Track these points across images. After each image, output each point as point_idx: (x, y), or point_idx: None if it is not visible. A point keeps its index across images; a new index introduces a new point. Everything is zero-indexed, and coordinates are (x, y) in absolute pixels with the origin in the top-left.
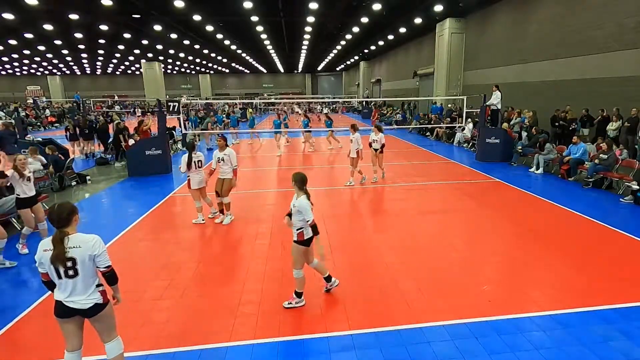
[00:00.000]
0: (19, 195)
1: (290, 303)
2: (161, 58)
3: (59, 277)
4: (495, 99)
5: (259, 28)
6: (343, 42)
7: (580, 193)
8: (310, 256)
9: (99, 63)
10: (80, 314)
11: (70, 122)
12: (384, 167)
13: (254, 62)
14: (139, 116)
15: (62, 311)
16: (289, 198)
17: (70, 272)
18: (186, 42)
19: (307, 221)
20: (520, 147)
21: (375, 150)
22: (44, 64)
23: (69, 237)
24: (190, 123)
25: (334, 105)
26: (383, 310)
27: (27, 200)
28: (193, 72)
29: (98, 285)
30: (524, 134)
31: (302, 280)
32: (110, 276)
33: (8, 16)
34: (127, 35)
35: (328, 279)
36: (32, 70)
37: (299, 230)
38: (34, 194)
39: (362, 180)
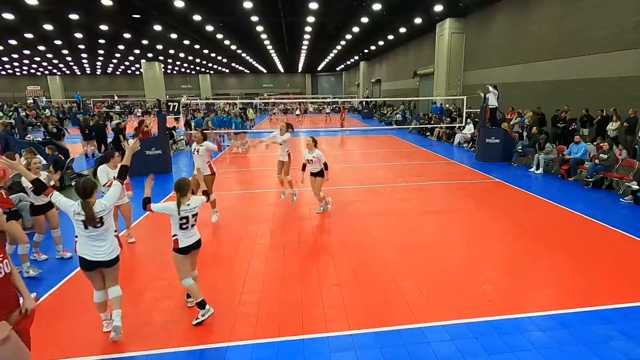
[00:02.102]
0: (32, 203)
1: (198, 318)
2: (161, 58)
3: (85, 228)
4: (492, 99)
5: (259, 28)
6: (343, 42)
7: (580, 193)
8: (192, 269)
9: (99, 63)
10: (102, 266)
11: (57, 121)
12: (322, 194)
13: (254, 62)
14: (138, 116)
15: (88, 266)
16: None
17: (98, 225)
18: (186, 42)
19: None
20: (520, 147)
21: (314, 174)
22: (44, 64)
23: (94, 204)
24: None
25: (334, 106)
26: (383, 310)
27: (41, 207)
28: (193, 72)
29: (114, 231)
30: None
31: (194, 287)
32: (122, 174)
33: (8, 16)
34: (127, 35)
35: (201, 305)
36: (32, 70)
37: (174, 237)
38: (47, 200)
39: (293, 197)
